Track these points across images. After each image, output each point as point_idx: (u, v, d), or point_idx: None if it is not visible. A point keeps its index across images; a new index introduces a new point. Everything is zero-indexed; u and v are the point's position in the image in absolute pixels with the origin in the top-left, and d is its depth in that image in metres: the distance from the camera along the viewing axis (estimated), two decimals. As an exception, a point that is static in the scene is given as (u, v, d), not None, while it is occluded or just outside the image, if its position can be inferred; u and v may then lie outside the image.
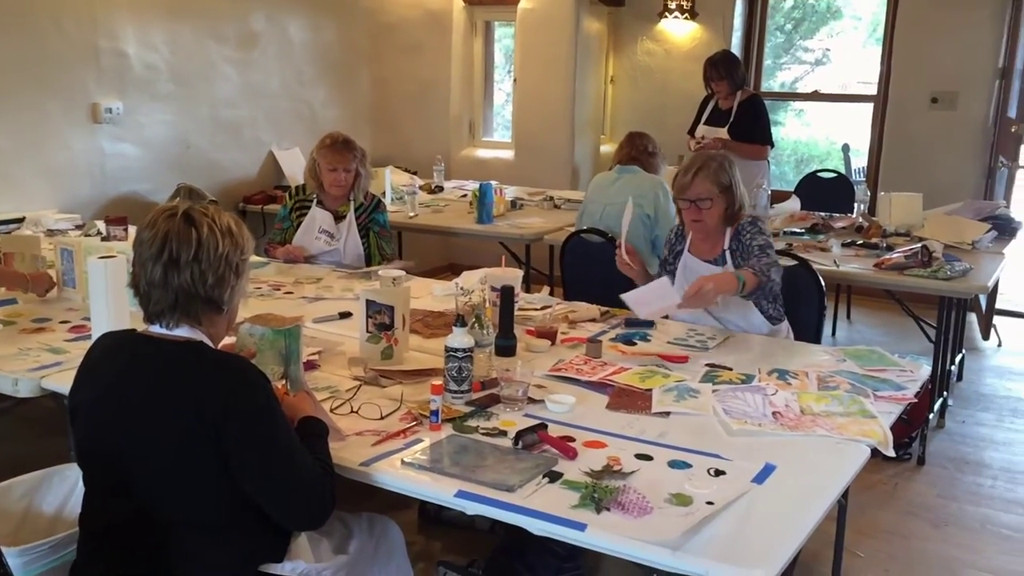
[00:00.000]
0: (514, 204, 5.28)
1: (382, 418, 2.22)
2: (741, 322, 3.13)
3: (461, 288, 2.82)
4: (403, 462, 1.99)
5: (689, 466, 2.03)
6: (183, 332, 1.80)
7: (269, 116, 5.50)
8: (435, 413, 2.17)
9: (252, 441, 1.73)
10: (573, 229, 4.25)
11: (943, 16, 5.88)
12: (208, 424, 1.70)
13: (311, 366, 2.55)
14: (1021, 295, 6.55)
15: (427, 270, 6.45)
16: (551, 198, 5.40)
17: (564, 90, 6.48)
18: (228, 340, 2.18)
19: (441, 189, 5.84)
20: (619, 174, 4.23)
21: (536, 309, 3.16)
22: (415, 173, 6.15)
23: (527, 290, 4.10)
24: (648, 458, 2.06)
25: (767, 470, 2.01)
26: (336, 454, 1.99)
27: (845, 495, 2.79)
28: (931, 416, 4.08)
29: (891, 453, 2.20)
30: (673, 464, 2.03)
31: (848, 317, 5.90)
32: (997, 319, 5.64)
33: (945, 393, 4.35)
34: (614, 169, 4.29)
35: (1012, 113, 5.58)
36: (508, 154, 6.88)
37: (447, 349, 2.33)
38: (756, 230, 3.15)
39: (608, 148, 6.77)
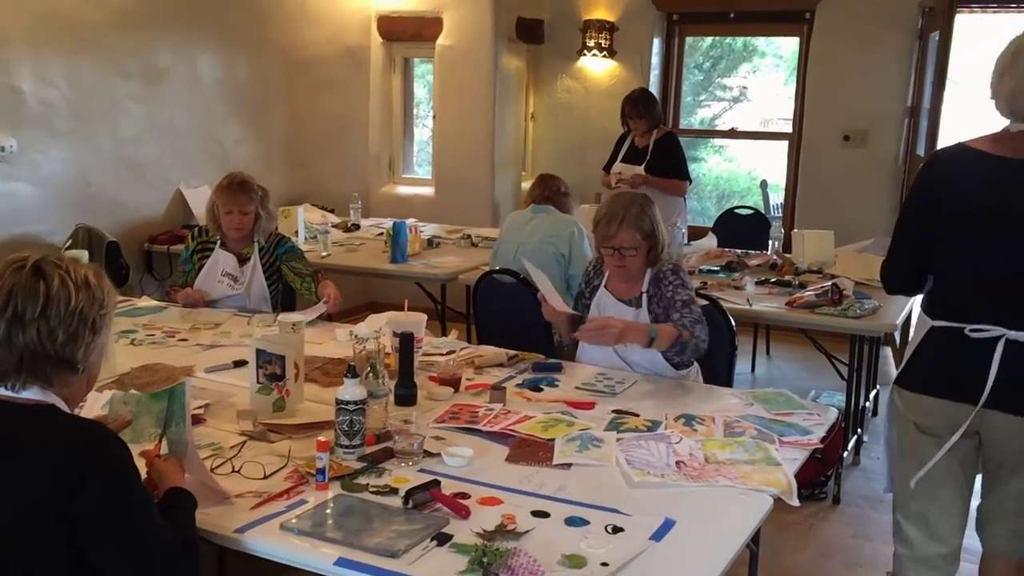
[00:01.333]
0: (431, 242, 5.19)
1: (265, 477, 2.09)
2: (645, 363, 3.08)
3: (355, 336, 2.71)
4: (282, 527, 1.87)
5: (586, 523, 1.94)
6: (32, 395, 1.65)
7: (177, 153, 5.33)
8: (321, 471, 2.05)
9: (104, 515, 1.59)
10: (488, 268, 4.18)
11: (853, 56, 6.00)
12: (57, 497, 1.56)
13: (196, 421, 2.41)
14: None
15: (346, 309, 6.30)
16: (469, 236, 5.33)
17: (484, 127, 6.44)
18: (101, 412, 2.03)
19: (357, 227, 5.72)
20: (534, 213, 4.18)
21: (441, 354, 3.07)
22: (332, 211, 6.03)
23: (443, 332, 4.01)
24: (545, 515, 1.97)
25: (666, 526, 1.94)
26: (209, 520, 1.86)
27: (756, 541, 2.74)
28: (846, 454, 4.08)
29: (795, 502, 2.15)
30: (570, 521, 1.95)
31: (768, 353, 5.92)
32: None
33: (860, 430, 4.36)
34: (529, 208, 4.24)
35: (920, 151, 5.69)
36: (429, 191, 6.81)
37: (337, 402, 2.23)
38: (679, 282, 3.07)
39: (528, 185, 6.74)
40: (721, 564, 1.83)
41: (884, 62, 5.95)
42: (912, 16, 5.84)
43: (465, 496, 2.04)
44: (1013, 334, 2.24)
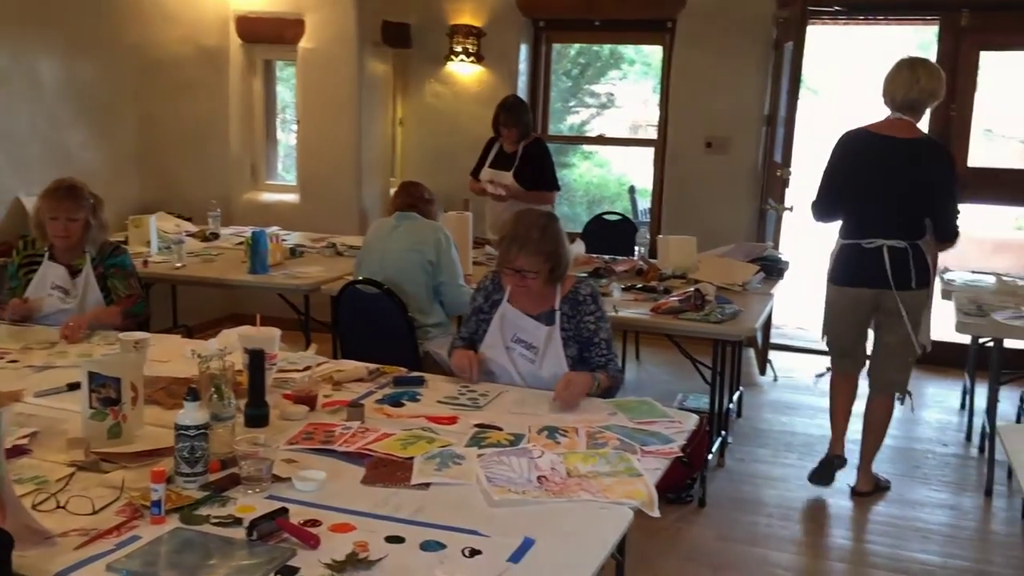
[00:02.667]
0: (294, 251, 5.02)
1: (94, 513, 1.93)
2: (551, 382, 3.02)
3: (198, 354, 2.55)
4: (108, 568, 1.72)
5: (443, 547, 1.87)
6: None
7: (15, 161, 4.98)
8: (157, 504, 1.90)
9: None
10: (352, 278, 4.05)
11: (714, 65, 6.14)
12: None
13: (19, 452, 2.21)
14: (793, 330, 6.90)
15: (206, 322, 6.06)
16: (334, 245, 5.18)
17: (350, 132, 6.29)
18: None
19: (216, 236, 5.48)
20: (398, 221, 4.08)
21: (297, 370, 2.93)
22: (189, 219, 5.77)
23: (307, 345, 3.86)
24: (400, 540, 1.88)
25: (525, 545, 1.88)
26: (27, 564, 1.70)
27: (622, 549, 2.72)
28: (711, 456, 4.14)
29: (655, 514, 2.13)
30: (426, 546, 1.87)
31: (637, 357, 5.99)
32: (772, 354, 5.88)
33: (724, 432, 4.44)
34: (393, 216, 4.13)
35: (778, 158, 5.87)
36: (294, 198, 6.60)
37: (177, 427, 2.08)
38: (600, 314, 3.03)
39: (398, 191, 6.62)
40: (580, 584, 1.78)
41: (743, 71, 6.11)
42: (768, 27, 6.02)
43: (316, 523, 1.93)
44: (890, 243, 3.81)
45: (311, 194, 6.45)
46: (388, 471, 2.23)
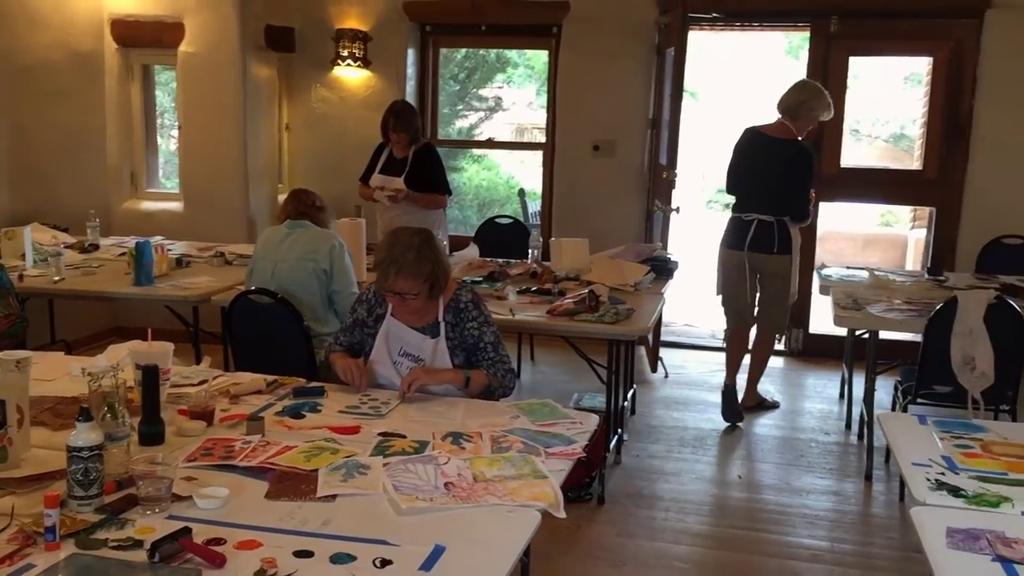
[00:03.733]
0: (180, 262, 4.87)
1: (-18, 543, 1.84)
2: (441, 391, 3.03)
3: (88, 373, 2.46)
4: (2, 600, 1.65)
5: (353, 559, 1.85)
6: None
7: None
8: (51, 529, 1.83)
9: None
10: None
11: (599, 70, 6.25)
12: None
13: None
14: (682, 328, 7.09)
15: (85, 336, 5.82)
16: (222, 254, 5.05)
17: (234, 138, 6.14)
18: None
19: (96, 247, 5.27)
20: (290, 229, 4.01)
21: (192, 385, 2.86)
22: (66, 230, 5.52)
23: (197, 359, 3.76)
24: (308, 554, 1.86)
25: (436, 553, 1.89)
26: (-89, 602, 1.60)
27: (527, 550, 2.75)
28: (608, 454, 4.22)
29: (561, 515, 2.17)
30: (336, 558, 1.85)
31: (532, 359, 6.05)
32: (663, 351, 6.03)
33: (620, 429, 4.53)
34: (285, 224, 4.07)
35: (663, 159, 6.02)
36: (177, 206, 6.41)
37: (69, 449, 2.00)
38: (483, 319, 3.04)
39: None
40: (493, 587, 1.80)
41: (627, 76, 6.25)
42: (650, 33, 6.17)
43: (220, 542, 1.89)
44: (761, 217, 4.86)
45: (195, 202, 6.28)
46: (292, 484, 2.20)
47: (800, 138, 4.93)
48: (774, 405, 5.31)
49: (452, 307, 3.03)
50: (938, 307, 3.96)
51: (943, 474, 2.38)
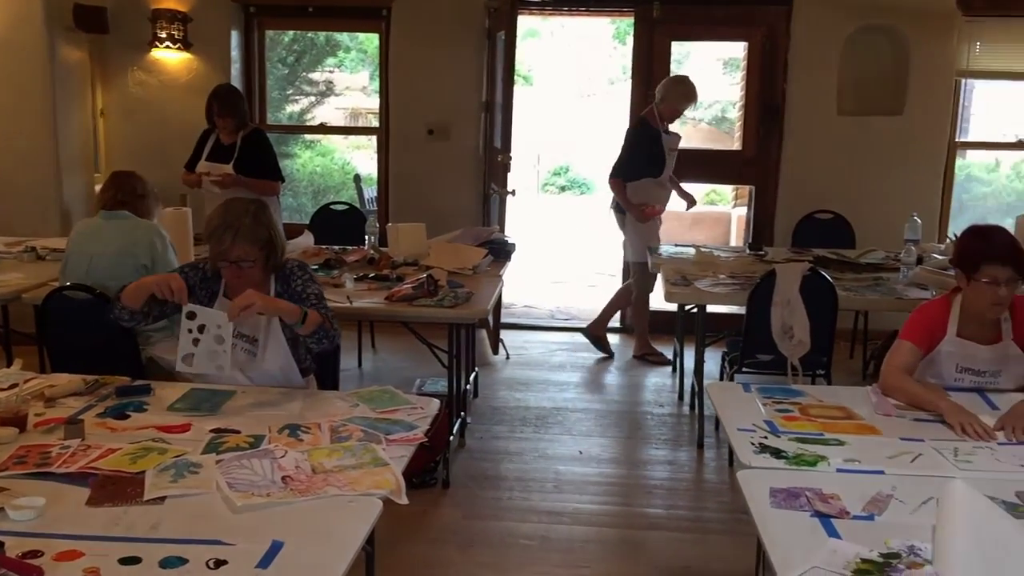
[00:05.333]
0: (-14, 259, 4.52)
1: None
2: (277, 372, 2.93)
3: None
4: None
5: (185, 561, 1.77)
6: None
7: None
8: None
9: None
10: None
11: (431, 53, 6.22)
12: None
13: None
14: (522, 309, 7.19)
15: None
16: (34, 249, 4.72)
17: (42, 124, 5.75)
18: None
19: None
20: (106, 220, 3.78)
21: (2, 389, 2.65)
22: None
23: (8, 361, 3.50)
24: (136, 560, 1.77)
25: (274, 549, 1.83)
26: None
27: (371, 540, 2.71)
28: (452, 437, 4.22)
29: (403, 501, 2.15)
30: (166, 563, 1.77)
31: (373, 346, 5.98)
32: (503, 333, 6.08)
33: (463, 413, 4.55)
34: (99, 214, 3.83)
35: (497, 144, 6.06)
36: (-19, 199, 5.93)
37: None
38: (307, 277, 3.00)
39: (105, 188, 6.15)
40: (334, 578, 1.76)
41: (460, 59, 6.25)
42: (481, 16, 6.19)
43: (37, 554, 1.77)
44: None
45: (0, 193, 5.83)
46: (117, 489, 2.08)
47: (655, 118, 5.53)
48: (662, 360, 5.83)
49: (281, 278, 2.98)
50: (758, 280, 4.17)
51: (766, 438, 2.51)
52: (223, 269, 2.88)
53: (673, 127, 5.67)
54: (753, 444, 2.46)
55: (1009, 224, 4.48)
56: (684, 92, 5.50)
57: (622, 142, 5.71)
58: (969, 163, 8.80)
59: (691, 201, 5.86)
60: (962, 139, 6.69)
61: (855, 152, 6.10)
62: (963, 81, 6.24)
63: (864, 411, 2.73)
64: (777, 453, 2.40)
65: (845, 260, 4.93)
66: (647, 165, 5.53)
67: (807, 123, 6.12)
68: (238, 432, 2.46)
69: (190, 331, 2.78)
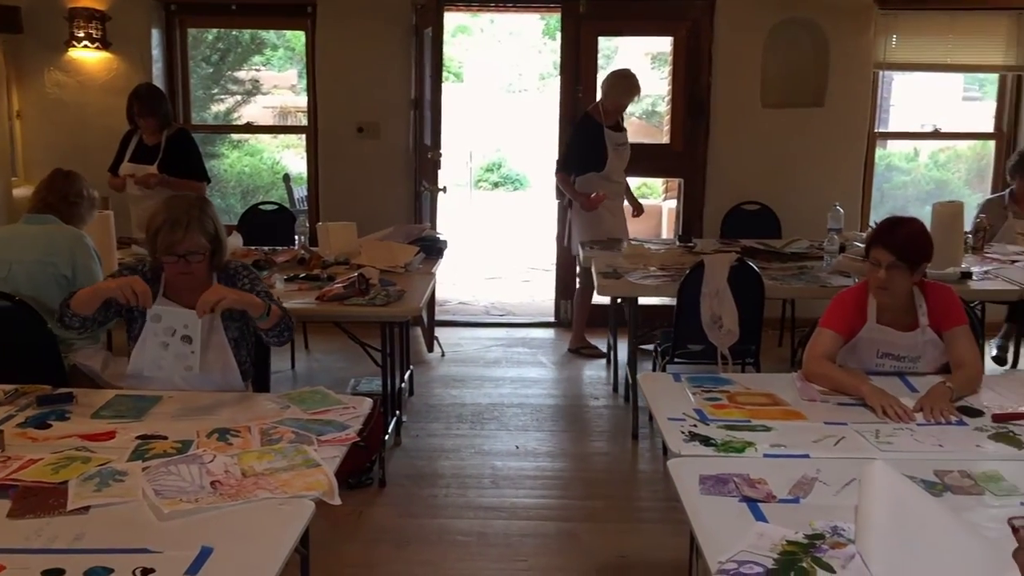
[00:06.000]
0: None
1: None
2: (219, 378, 2.89)
3: None
4: None
5: (111, 571, 1.75)
6: None
7: None
8: None
9: None
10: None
11: (358, 50, 6.17)
12: None
13: None
14: (456, 306, 7.19)
15: None
16: (-52, 256, 4.55)
17: (-44, 128, 5.56)
18: None
19: None
20: (28, 224, 3.67)
21: (-85, 402, 2.56)
22: None
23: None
24: (59, 573, 1.74)
25: (203, 555, 1.81)
26: None
27: (306, 542, 2.70)
28: (387, 436, 4.21)
29: (336, 501, 2.13)
30: (91, 574, 1.74)
31: (306, 347, 5.91)
32: (438, 330, 6.07)
33: (398, 411, 4.53)
34: (22, 219, 3.72)
35: (427, 140, 6.05)
36: None
37: None
38: (253, 276, 3.00)
39: (24, 191, 5.96)
40: (266, 583, 1.75)
41: (387, 56, 6.21)
42: (407, 12, 6.16)
43: (-46, 571, 1.71)
44: None
45: (-87, 200, 5.63)
46: (39, 500, 2.03)
47: (599, 113, 5.50)
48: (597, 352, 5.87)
49: (223, 279, 2.95)
50: (688, 271, 4.23)
51: (696, 426, 2.55)
52: (168, 265, 2.84)
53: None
54: (683, 433, 2.50)
55: (927, 212, 4.61)
56: (627, 86, 5.48)
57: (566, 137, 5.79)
58: (890, 153, 9.06)
59: (639, 210, 5.90)
60: (881, 130, 6.89)
61: (779, 144, 6.22)
62: (881, 73, 6.41)
63: (790, 397, 2.79)
64: (706, 441, 2.44)
65: (771, 250, 5.03)
66: (589, 159, 5.50)
67: (733, 116, 6.22)
68: (165, 438, 2.41)
69: (156, 334, 2.76)
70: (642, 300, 4.63)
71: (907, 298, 2.95)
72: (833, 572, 1.76)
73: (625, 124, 5.74)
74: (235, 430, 2.46)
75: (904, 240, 2.88)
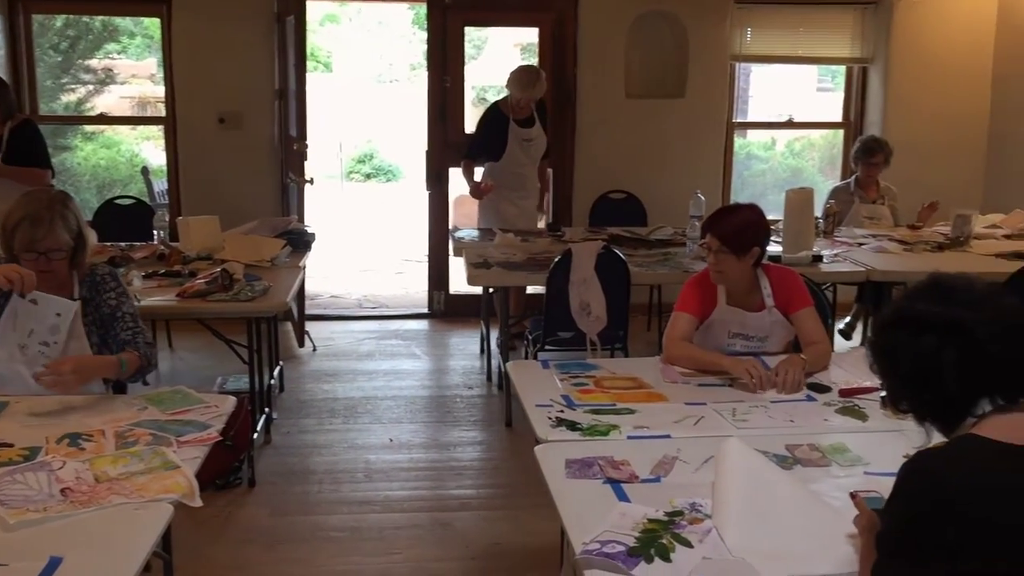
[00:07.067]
0: None
1: None
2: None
3: None
4: None
5: (-51, 589, 1.64)
6: None
7: None
8: None
9: None
10: None
11: (218, 38, 5.98)
12: None
13: None
14: (327, 300, 7.08)
15: None
16: None
17: None
18: None
19: None
20: None
21: None
22: None
23: None
24: None
25: (52, 565, 1.73)
26: None
27: (168, 547, 2.62)
28: (256, 435, 4.11)
29: (197, 503, 2.07)
30: (-74, 593, 1.63)
31: (170, 346, 5.71)
32: (309, 325, 5.97)
33: (268, 408, 4.43)
34: None
35: (292, 131, 5.92)
36: None
37: None
38: (121, 290, 2.87)
39: None
40: (120, 591, 1.68)
41: (249, 45, 6.04)
42: (269, 0, 6.00)
43: None
44: None
45: None
46: None
47: (507, 105, 5.53)
48: None
49: (88, 282, 2.84)
50: (556, 260, 4.29)
51: (562, 411, 2.59)
52: (27, 263, 2.71)
53: (471, 109, 5.70)
54: (550, 419, 2.54)
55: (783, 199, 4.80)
56: (514, 79, 5.47)
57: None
58: (749, 142, 9.41)
59: (541, 205, 5.95)
60: (740, 119, 7.14)
61: (644, 134, 6.37)
62: (739, 65, 6.65)
63: (654, 380, 2.86)
64: (572, 426, 2.48)
65: (637, 237, 5.16)
66: (490, 148, 5.55)
67: (598, 107, 6.33)
68: (11, 445, 2.29)
69: (16, 329, 2.70)
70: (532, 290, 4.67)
71: (749, 281, 3.09)
72: (691, 547, 1.82)
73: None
74: (87, 434, 2.36)
75: (729, 228, 3.02)
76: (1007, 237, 5.27)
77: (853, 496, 1.76)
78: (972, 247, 4.99)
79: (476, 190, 5.53)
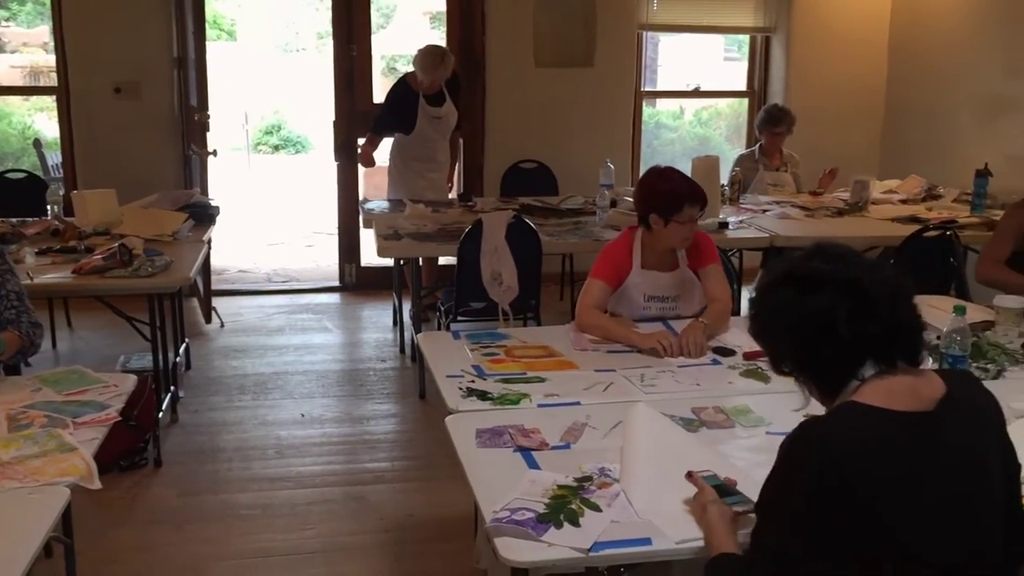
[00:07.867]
0: None
1: None
2: None
3: None
4: None
5: None
6: None
7: None
8: None
9: None
10: None
11: (113, 3, 5.74)
12: None
13: None
14: (235, 275, 6.93)
15: None
16: None
17: None
18: None
19: None
20: None
21: None
22: None
23: None
24: None
25: (-62, 557, 1.65)
26: None
27: (69, 532, 2.54)
28: (161, 414, 4.00)
29: (96, 486, 2.01)
30: None
31: (69, 325, 5.51)
32: (216, 300, 5.83)
33: (173, 387, 4.32)
34: None
35: (193, 101, 5.74)
36: None
37: None
38: (7, 268, 2.72)
39: None
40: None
41: (146, 12, 5.81)
42: (166, -35, 5.78)
43: None
44: None
45: None
46: None
47: (415, 81, 5.43)
48: None
49: None
50: (467, 230, 4.27)
51: (473, 382, 2.59)
52: None
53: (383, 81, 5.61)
54: (461, 389, 2.53)
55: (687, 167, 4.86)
56: (418, 62, 5.40)
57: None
58: (658, 111, 9.51)
59: (450, 179, 5.92)
60: (648, 89, 7.20)
61: (554, 103, 6.37)
62: (647, 35, 6.69)
63: (564, 348, 2.88)
64: (483, 395, 2.48)
65: (548, 207, 5.17)
66: (399, 121, 5.49)
67: (508, 75, 6.30)
68: None
69: None
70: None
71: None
72: (600, 511, 1.84)
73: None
74: (-23, 419, 2.26)
75: (703, 191, 3.10)
76: (903, 202, 5.45)
77: (690, 475, 1.80)
78: (870, 212, 5.15)
79: (362, 157, 5.62)
